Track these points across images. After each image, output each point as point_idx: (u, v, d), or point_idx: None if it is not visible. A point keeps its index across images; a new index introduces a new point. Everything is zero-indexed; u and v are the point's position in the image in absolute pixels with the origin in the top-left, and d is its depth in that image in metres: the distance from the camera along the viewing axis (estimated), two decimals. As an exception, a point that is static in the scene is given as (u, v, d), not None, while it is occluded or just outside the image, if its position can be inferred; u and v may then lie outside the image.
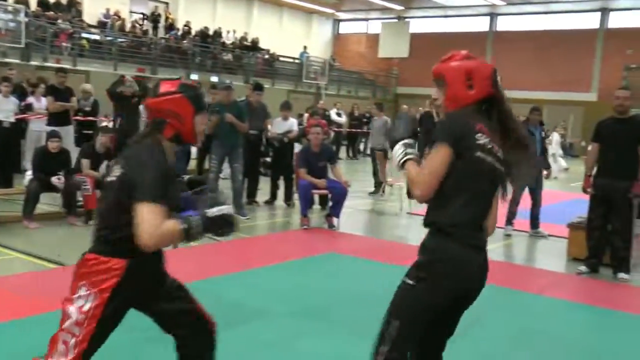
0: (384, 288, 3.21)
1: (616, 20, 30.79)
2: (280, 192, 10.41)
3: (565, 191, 14.17)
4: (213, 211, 2.50)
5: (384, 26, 36.42)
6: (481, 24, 34.10)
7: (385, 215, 10.15)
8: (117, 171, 2.57)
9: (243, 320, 4.66)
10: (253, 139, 9.64)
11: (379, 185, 12.08)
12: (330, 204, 8.86)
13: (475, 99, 2.67)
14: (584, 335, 4.99)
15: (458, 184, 2.53)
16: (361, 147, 22.87)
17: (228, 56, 26.84)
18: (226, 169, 9.78)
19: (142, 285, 2.65)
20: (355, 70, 35.57)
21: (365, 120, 21.66)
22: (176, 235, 2.44)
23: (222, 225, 2.51)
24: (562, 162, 21.62)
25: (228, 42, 28.63)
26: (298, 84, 28.92)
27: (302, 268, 6.49)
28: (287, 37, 33.95)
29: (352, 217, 9.79)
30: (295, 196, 9.60)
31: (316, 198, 9.61)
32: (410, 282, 2.59)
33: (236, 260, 6.61)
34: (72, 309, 2.53)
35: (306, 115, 17.26)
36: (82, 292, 2.53)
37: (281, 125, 10.49)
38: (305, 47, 32.38)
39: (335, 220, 8.61)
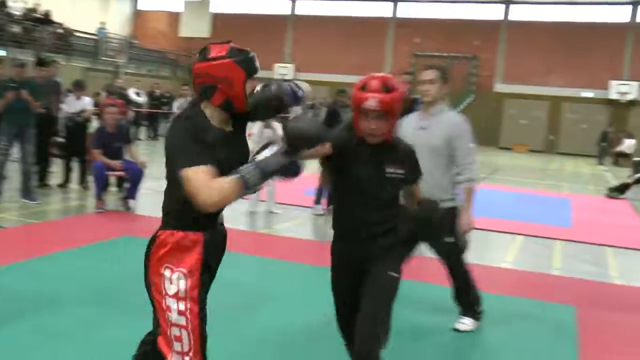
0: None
1: (404, 11, 32.93)
2: (75, 175, 9.92)
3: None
4: (261, 155, 2.41)
5: (186, 5, 35.71)
6: (283, 7, 34.72)
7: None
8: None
9: (32, 311, 4.41)
10: (41, 117, 9.06)
11: None
12: (127, 185, 8.61)
13: None
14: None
15: None
16: (162, 128, 22.38)
17: (16, 28, 24.79)
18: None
19: (217, 259, 2.62)
20: (156, 49, 34.57)
21: (165, 100, 21.22)
22: (233, 186, 2.32)
23: (280, 165, 2.40)
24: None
25: (16, 13, 26.42)
26: (95, 62, 27.54)
27: (96, 252, 6.25)
28: (82, 12, 32.10)
29: (151, 199, 9.59)
30: (90, 178, 9.20)
31: (113, 180, 9.28)
32: (397, 275, 2.94)
33: (24, 247, 6.21)
34: (168, 300, 2.43)
35: (104, 94, 16.52)
36: (168, 274, 2.44)
37: (74, 104, 9.97)
38: (102, 23, 30.87)
39: (132, 202, 8.39)
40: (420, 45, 32.07)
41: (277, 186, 8.98)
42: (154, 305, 2.52)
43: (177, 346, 2.44)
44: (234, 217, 7.59)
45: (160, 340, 2.49)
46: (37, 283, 5.10)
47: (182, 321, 2.42)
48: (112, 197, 9.09)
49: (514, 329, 4.87)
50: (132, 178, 8.36)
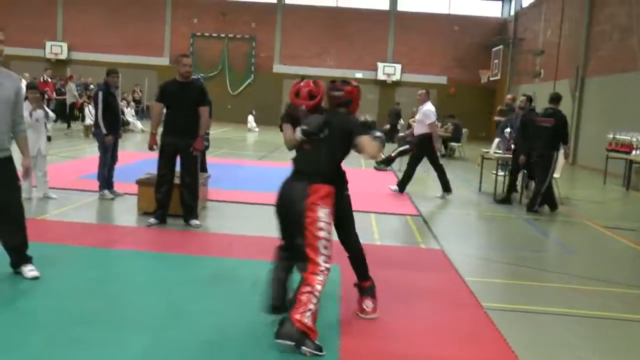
0: None
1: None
2: None
3: (141, 152, 14.77)
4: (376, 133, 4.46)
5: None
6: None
7: None
8: (325, 132, 4.35)
9: None
10: None
11: None
12: None
13: None
14: (152, 277, 5.47)
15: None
16: None
17: None
18: None
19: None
20: None
21: None
22: (377, 143, 4.37)
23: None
24: (139, 124, 22.63)
25: None
26: None
27: None
28: None
29: None
30: None
31: None
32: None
33: None
34: (320, 222, 4.23)
35: None
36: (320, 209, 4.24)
37: None
38: None
39: None
40: (198, 26, 32.01)
41: (48, 172, 8.70)
42: (302, 229, 4.22)
43: (323, 250, 4.24)
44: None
45: (309, 251, 4.21)
46: None
47: (326, 234, 4.25)
48: None
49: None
50: None
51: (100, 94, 8.79)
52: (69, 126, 21.44)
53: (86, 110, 19.89)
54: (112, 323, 4.28)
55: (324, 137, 4.35)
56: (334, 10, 32.20)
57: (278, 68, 32.14)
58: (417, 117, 11.93)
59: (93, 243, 6.44)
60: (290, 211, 4.32)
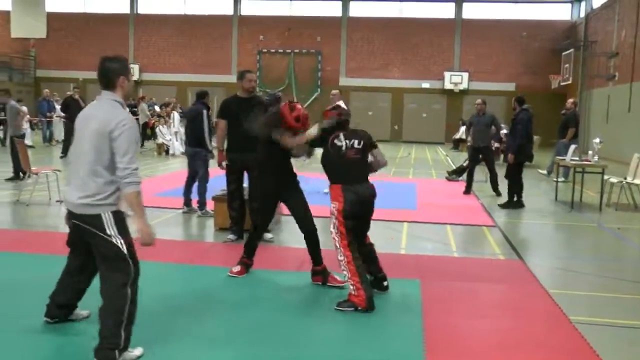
0: (35, 278, 3.19)
1: (247, 8, 33.13)
2: None
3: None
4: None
5: (15, 2, 33.67)
6: (122, 6, 33.68)
7: (34, 205, 9.68)
8: (358, 144, 5.45)
9: None
10: None
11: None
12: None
13: None
14: (234, 292, 5.53)
15: None
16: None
17: None
18: None
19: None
20: (-15, 52, 32.44)
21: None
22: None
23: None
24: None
25: None
26: None
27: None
28: None
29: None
30: None
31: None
32: None
33: None
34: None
35: None
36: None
37: None
38: None
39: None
40: (264, 42, 32.47)
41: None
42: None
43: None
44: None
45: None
46: None
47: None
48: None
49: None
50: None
51: (204, 112, 9.07)
52: (142, 145, 22.07)
53: (157, 129, 20.43)
54: (199, 339, 4.35)
55: (361, 148, 5.43)
56: (398, 20, 32.10)
57: (344, 81, 32.24)
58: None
59: (176, 259, 6.58)
60: (372, 208, 5.48)
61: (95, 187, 3.87)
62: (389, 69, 32.03)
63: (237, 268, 6.05)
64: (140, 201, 3.89)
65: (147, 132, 23.41)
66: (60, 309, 4.43)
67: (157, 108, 24.22)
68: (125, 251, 3.91)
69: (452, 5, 31.78)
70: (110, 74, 3.99)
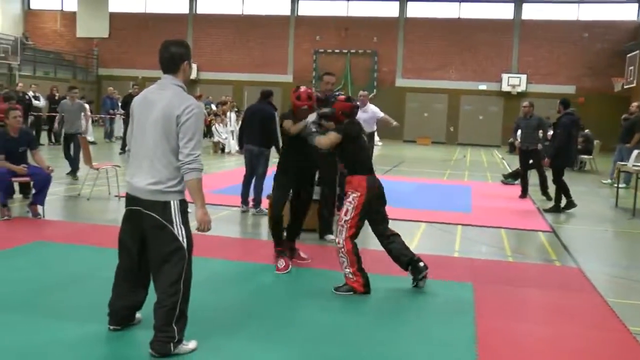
0: (95, 270, 3.22)
1: (305, 8, 33.30)
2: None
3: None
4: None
5: (81, 3, 34.73)
6: (181, 6, 34.30)
7: (94, 200, 9.97)
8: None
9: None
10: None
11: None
12: (33, 191, 8.46)
13: None
14: (296, 290, 5.58)
15: None
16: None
17: None
18: None
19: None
20: (52, 50, 33.47)
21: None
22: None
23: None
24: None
25: None
26: (-16, 64, 26.44)
27: (10, 259, 6.18)
28: (-31, 12, 30.73)
29: (58, 204, 9.49)
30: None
31: (17, 187, 9.07)
32: None
33: None
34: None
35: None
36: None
37: (-29, 110, 9.68)
38: (-9, 24, 29.64)
39: (39, 208, 8.26)
40: (320, 42, 32.56)
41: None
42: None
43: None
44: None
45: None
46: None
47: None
48: (18, 204, 8.92)
49: (416, 306, 5.28)
50: (39, 184, 8.22)
51: (275, 113, 9.11)
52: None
53: (213, 128, 20.71)
54: (252, 334, 4.40)
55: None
56: (456, 21, 31.77)
57: (400, 82, 32.07)
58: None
59: (235, 257, 6.68)
60: (385, 199, 5.75)
61: (167, 173, 3.85)
62: (446, 70, 31.71)
63: (282, 263, 6.15)
64: (201, 188, 3.91)
65: (204, 130, 23.77)
66: (124, 314, 4.30)
67: (213, 106, 24.54)
68: (185, 244, 3.93)
69: (511, 5, 31.27)
70: (176, 58, 4.00)
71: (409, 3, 32.30)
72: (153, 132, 3.87)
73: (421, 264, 5.62)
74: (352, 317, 4.95)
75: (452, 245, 7.85)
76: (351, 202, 5.45)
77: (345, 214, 5.45)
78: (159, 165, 3.86)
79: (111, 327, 4.27)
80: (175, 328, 3.90)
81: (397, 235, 5.78)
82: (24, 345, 4.04)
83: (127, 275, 4.19)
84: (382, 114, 11.10)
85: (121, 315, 4.27)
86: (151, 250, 3.98)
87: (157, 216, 3.87)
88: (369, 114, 10.95)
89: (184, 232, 3.92)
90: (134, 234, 4.04)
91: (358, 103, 10.14)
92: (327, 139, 5.74)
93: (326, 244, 7.42)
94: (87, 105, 14.95)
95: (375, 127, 11.17)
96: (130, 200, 4.01)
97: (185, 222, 3.95)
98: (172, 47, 4.03)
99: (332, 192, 7.75)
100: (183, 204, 3.95)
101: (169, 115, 3.83)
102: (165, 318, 3.88)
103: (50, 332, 4.27)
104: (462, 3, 31.92)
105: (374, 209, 5.61)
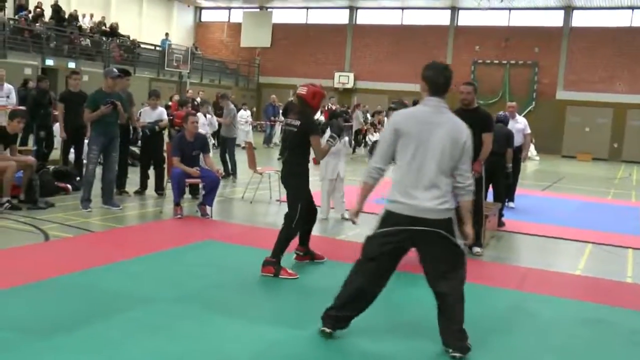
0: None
1: (465, 19, 32.76)
2: (151, 182, 10.36)
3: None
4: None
5: (246, 15, 36.56)
6: (341, 17, 34.99)
7: (256, 203, 10.38)
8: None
9: (127, 308, 4.74)
10: (120, 127, 9.47)
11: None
12: (202, 192, 8.96)
13: None
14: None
15: None
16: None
17: (86, 41, 25.81)
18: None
19: None
20: (217, 59, 35.41)
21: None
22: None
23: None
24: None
25: (85, 26, 27.49)
26: (160, 72, 28.40)
27: (181, 255, 6.59)
28: (147, 24, 33.20)
29: (223, 205, 9.97)
30: (168, 186, 9.59)
31: (186, 188, 9.64)
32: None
33: (113, 250, 6.58)
34: None
35: (170, 104, 17.13)
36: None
37: (150, 114, 10.43)
38: (167, 34, 31.80)
39: (208, 208, 8.74)
40: (479, 53, 31.89)
41: (345, 194, 9.23)
42: None
43: None
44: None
45: None
46: (129, 282, 5.45)
47: None
48: (187, 204, 9.48)
49: (589, 334, 4.98)
50: (210, 186, 8.71)
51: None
52: (353, 152, 22.69)
53: (367, 137, 20.87)
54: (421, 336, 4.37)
55: None
56: (626, 30, 29.77)
57: (561, 95, 30.64)
58: None
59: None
60: None
61: (447, 192, 4.09)
62: (612, 82, 29.86)
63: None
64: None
65: (359, 138, 24.05)
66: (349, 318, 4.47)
67: (368, 116, 24.77)
68: (463, 249, 4.21)
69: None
70: (450, 82, 4.18)
71: (575, 12, 30.81)
72: (440, 152, 4.04)
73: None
74: (516, 340, 4.76)
75: (623, 269, 7.35)
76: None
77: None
78: (443, 184, 4.08)
79: (328, 330, 4.39)
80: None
81: None
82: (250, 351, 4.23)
83: (374, 282, 4.43)
84: (529, 131, 11.10)
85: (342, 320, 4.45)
86: (432, 258, 4.20)
87: (443, 232, 4.07)
88: (521, 125, 10.80)
89: (459, 241, 4.16)
90: (404, 245, 4.26)
91: (506, 114, 10.15)
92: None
93: (476, 258, 7.22)
94: (247, 112, 15.59)
95: (522, 141, 10.81)
96: (406, 218, 4.11)
97: (456, 232, 4.19)
98: (448, 71, 4.20)
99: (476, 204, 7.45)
100: (453, 217, 4.20)
101: (457, 139, 4.07)
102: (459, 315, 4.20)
103: (223, 326, 4.47)
104: (635, 10, 29.88)
105: None
